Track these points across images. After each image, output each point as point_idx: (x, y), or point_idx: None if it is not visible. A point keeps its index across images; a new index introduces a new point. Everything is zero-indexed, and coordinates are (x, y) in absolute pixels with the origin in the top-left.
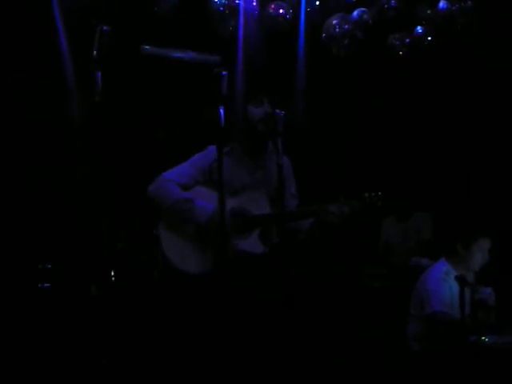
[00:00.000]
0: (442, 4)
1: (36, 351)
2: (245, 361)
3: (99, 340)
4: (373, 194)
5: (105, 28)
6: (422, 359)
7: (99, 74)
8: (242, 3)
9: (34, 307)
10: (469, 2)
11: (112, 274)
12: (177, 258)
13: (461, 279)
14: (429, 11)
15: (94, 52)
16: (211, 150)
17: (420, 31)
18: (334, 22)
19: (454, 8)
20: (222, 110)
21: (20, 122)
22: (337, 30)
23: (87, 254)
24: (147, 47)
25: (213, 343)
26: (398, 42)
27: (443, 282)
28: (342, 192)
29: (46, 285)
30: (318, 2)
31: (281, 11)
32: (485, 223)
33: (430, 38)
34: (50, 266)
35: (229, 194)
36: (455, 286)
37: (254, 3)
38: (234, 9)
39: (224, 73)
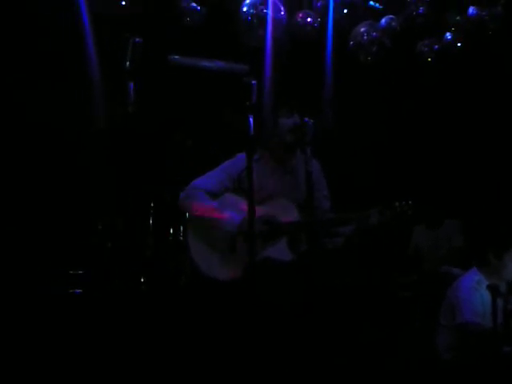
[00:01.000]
0: (471, 10)
1: (67, 356)
2: (272, 367)
3: (130, 344)
4: (403, 203)
5: (137, 40)
6: (453, 369)
7: (132, 84)
8: (269, 12)
9: (65, 313)
10: (498, 8)
11: (142, 281)
12: (205, 264)
13: (493, 288)
14: (458, 17)
15: (127, 63)
16: (240, 158)
17: (449, 37)
18: (362, 29)
19: (483, 14)
20: (251, 119)
21: (45, 133)
22: (365, 37)
23: (117, 260)
24: (176, 57)
25: (240, 349)
26: (426, 49)
27: (475, 292)
28: (372, 200)
29: (77, 290)
30: (345, 10)
31: (309, 20)
32: None
33: (459, 45)
34: (81, 271)
35: (258, 201)
36: (487, 296)
37: (282, 12)
38: (262, 18)
39: (253, 82)
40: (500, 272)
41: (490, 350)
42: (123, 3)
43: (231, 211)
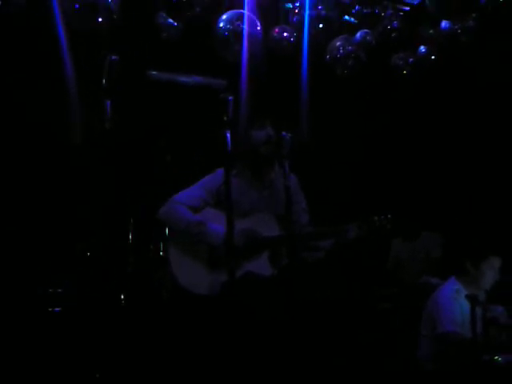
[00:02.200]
0: (444, 23)
1: (47, 374)
2: (253, 382)
3: (110, 361)
4: (382, 217)
5: (114, 57)
6: (435, 380)
7: (108, 102)
8: (246, 28)
9: (44, 331)
10: (470, 22)
11: (122, 297)
12: (186, 279)
13: (472, 298)
14: (431, 31)
15: (104, 81)
16: (219, 173)
17: (423, 50)
18: (338, 43)
19: (456, 27)
20: (228, 134)
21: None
22: (341, 51)
23: (97, 277)
24: (154, 72)
25: (221, 364)
26: (401, 62)
27: (454, 301)
28: (350, 214)
29: (56, 309)
30: (321, 25)
31: (285, 34)
32: (494, 241)
33: (433, 57)
34: (60, 290)
35: (238, 216)
36: (466, 305)
37: (258, 27)
38: (239, 33)
39: (230, 98)
40: (478, 281)
41: (470, 359)
42: (100, 20)
43: (215, 224)
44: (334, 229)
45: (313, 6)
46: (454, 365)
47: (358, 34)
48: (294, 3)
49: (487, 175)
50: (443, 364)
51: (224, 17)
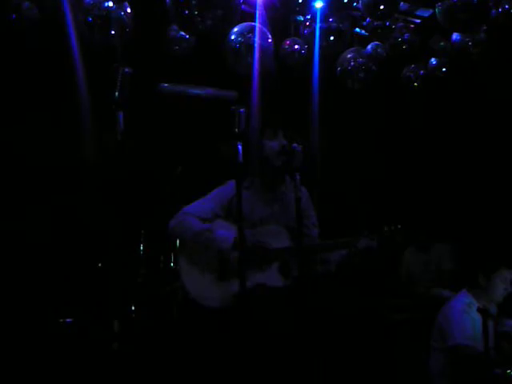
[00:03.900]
0: (455, 36)
1: None
2: None
3: (120, 374)
4: (392, 227)
5: (126, 70)
6: None
7: (121, 114)
8: (257, 40)
9: (56, 342)
10: (481, 34)
11: (133, 309)
12: (196, 292)
13: (484, 311)
14: (442, 43)
15: (116, 93)
16: (231, 185)
17: (434, 63)
18: (349, 55)
19: (466, 40)
20: (239, 146)
21: (34, 163)
22: (351, 63)
23: (108, 289)
24: (165, 85)
25: (233, 378)
26: (412, 74)
27: (465, 314)
28: (361, 225)
29: (68, 320)
30: (332, 37)
31: (296, 47)
32: (506, 254)
33: (444, 70)
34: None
35: (248, 227)
36: (478, 318)
37: (270, 40)
38: (250, 46)
39: (241, 110)
40: (489, 294)
41: (481, 372)
42: (112, 32)
43: (224, 230)
44: (345, 240)
45: (324, 19)
46: (464, 378)
47: (369, 47)
48: (305, 16)
49: (500, 188)
50: (454, 377)
51: (235, 29)
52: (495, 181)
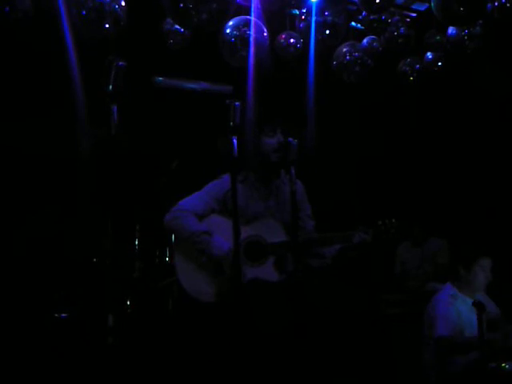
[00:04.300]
0: (450, 30)
1: (52, 381)
2: None
3: (115, 370)
4: (387, 221)
5: (120, 63)
6: None
7: (115, 107)
8: (252, 34)
9: (50, 337)
10: (477, 28)
11: (128, 303)
12: (192, 286)
13: (479, 305)
14: (438, 37)
15: (110, 87)
16: (226, 179)
17: (430, 57)
18: (345, 49)
19: (462, 34)
20: (234, 140)
21: (27, 156)
22: (347, 57)
23: (103, 283)
24: (160, 78)
25: (228, 371)
26: (408, 68)
27: (450, 306)
28: (355, 219)
29: (62, 315)
30: (327, 31)
31: (291, 40)
32: (482, 243)
33: (440, 64)
34: (66, 295)
35: (243, 222)
36: (464, 309)
37: (265, 34)
38: (245, 39)
39: (236, 103)
40: (472, 284)
41: (469, 361)
42: (107, 26)
43: (220, 236)
44: (340, 234)
45: (319, 12)
46: (450, 369)
47: (365, 40)
48: (300, 9)
49: (489, 182)
50: (440, 368)
51: (230, 23)
52: (488, 173)
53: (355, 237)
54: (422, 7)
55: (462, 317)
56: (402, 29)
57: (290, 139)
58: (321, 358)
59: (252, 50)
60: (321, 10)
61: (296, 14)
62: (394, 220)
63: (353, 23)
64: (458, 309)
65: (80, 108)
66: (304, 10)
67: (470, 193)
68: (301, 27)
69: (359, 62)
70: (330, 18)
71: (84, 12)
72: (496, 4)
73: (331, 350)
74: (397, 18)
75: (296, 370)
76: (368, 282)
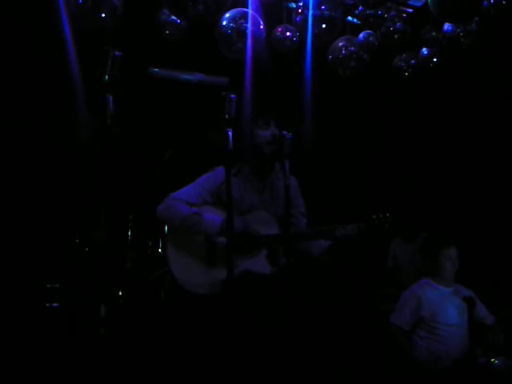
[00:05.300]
0: (446, 26)
1: (43, 371)
2: (254, 382)
3: (107, 360)
4: (381, 215)
5: (117, 53)
6: (433, 380)
7: (110, 97)
8: (249, 26)
9: (42, 327)
10: (473, 25)
11: (120, 294)
12: (184, 278)
13: (469, 300)
14: (434, 33)
15: (106, 77)
16: (219, 171)
17: (425, 53)
18: (340, 44)
19: (458, 30)
20: (229, 133)
21: (23, 145)
22: (343, 51)
23: (95, 273)
24: (156, 69)
25: (220, 363)
26: (403, 64)
27: (413, 294)
28: (349, 213)
29: (54, 304)
30: (324, 25)
31: (288, 34)
32: (445, 233)
33: (435, 60)
34: (58, 285)
35: (237, 215)
36: (436, 296)
37: (262, 26)
38: (242, 32)
39: (232, 96)
40: (441, 275)
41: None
42: (103, 16)
43: (212, 214)
44: (333, 228)
45: (316, 6)
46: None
47: (361, 35)
48: (297, 3)
49: (487, 179)
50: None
51: (227, 15)
52: (482, 168)
53: (348, 231)
54: (419, 3)
55: (431, 303)
56: (399, 24)
57: (285, 132)
58: (313, 352)
59: (248, 42)
60: (318, 3)
61: (293, 7)
62: (388, 214)
63: (349, 18)
64: (419, 296)
65: (78, 97)
66: (301, 4)
67: (463, 189)
68: (297, 21)
69: (355, 56)
70: (326, 12)
71: (81, 1)
72: (492, 1)
73: (323, 343)
74: (393, 13)
75: (288, 363)
76: (360, 277)
